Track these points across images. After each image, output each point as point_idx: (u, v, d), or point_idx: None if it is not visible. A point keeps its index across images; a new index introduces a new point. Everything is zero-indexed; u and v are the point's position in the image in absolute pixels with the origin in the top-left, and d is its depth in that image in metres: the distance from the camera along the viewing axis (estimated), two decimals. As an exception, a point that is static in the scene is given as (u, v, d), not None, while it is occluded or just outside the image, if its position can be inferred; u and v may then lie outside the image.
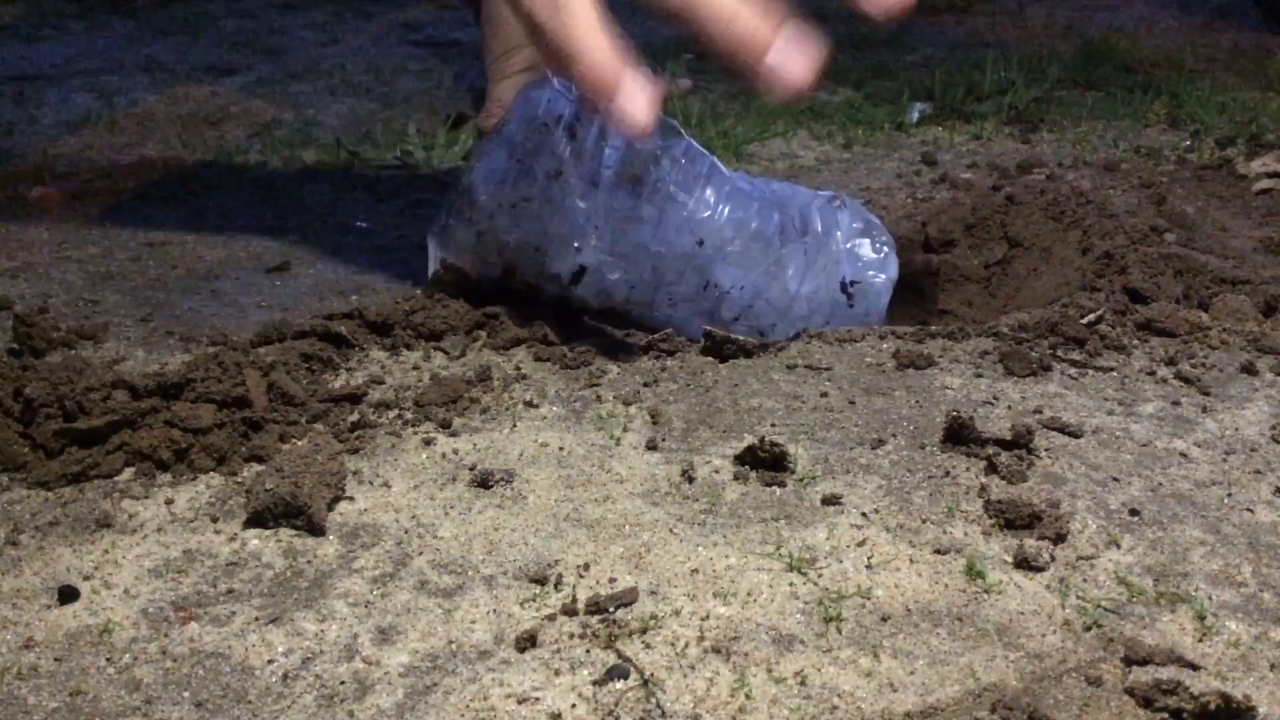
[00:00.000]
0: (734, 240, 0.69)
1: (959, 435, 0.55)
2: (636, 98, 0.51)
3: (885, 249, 0.72)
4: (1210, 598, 0.46)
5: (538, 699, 0.41)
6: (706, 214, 0.68)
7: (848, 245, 0.72)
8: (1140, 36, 1.57)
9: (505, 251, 0.69)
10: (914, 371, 0.63)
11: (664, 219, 0.68)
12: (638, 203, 0.68)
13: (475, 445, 0.57)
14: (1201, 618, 0.45)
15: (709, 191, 0.69)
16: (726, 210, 0.69)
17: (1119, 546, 0.49)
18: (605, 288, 0.68)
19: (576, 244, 0.67)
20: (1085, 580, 0.47)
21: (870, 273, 0.71)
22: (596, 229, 0.67)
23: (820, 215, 0.72)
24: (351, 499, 0.53)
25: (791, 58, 0.53)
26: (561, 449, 0.56)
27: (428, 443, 0.57)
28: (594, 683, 0.42)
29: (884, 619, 0.45)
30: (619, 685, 0.41)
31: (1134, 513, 0.51)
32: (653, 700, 0.41)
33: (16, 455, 0.55)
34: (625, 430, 0.58)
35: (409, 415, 0.60)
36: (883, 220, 0.76)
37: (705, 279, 0.69)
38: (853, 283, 0.71)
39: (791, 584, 0.46)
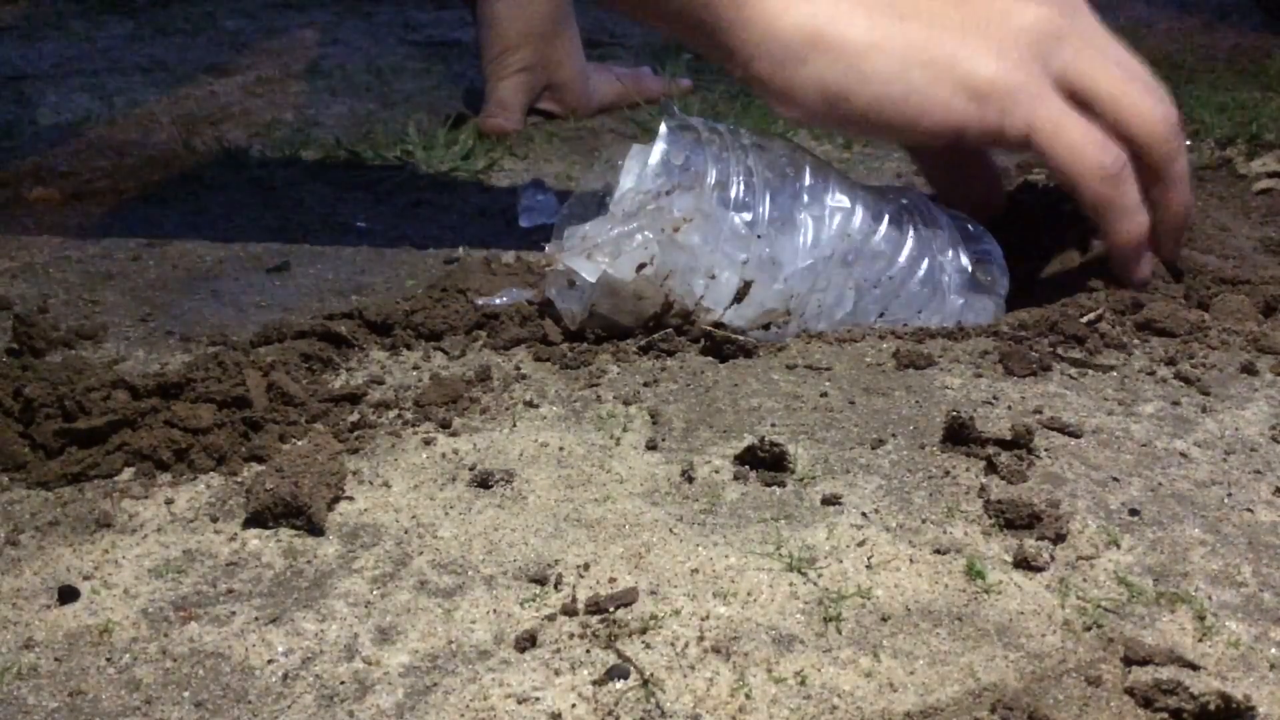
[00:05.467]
0: (874, 235, 0.69)
1: (959, 435, 0.55)
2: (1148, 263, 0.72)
3: (980, 227, 0.74)
4: (1210, 598, 0.46)
5: (538, 699, 0.41)
6: (845, 213, 0.68)
7: (953, 226, 0.73)
8: (1140, 36, 1.57)
9: (668, 281, 0.67)
10: (914, 371, 0.63)
11: (809, 223, 0.68)
12: (789, 210, 0.67)
13: (475, 445, 0.57)
14: (1201, 618, 0.45)
15: (839, 193, 0.69)
16: (860, 208, 0.69)
17: (1119, 546, 0.49)
18: (766, 301, 0.67)
19: (744, 257, 0.66)
20: (1085, 580, 0.47)
21: (983, 246, 0.72)
22: (760, 237, 0.67)
23: (928, 204, 0.72)
24: (351, 499, 0.53)
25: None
26: (561, 449, 0.56)
27: (428, 443, 0.57)
28: (594, 683, 0.42)
29: (884, 619, 0.45)
30: (619, 685, 0.41)
31: (1134, 513, 0.51)
32: (653, 700, 0.41)
33: (16, 455, 0.55)
34: (625, 430, 0.58)
35: (409, 415, 0.60)
36: None
37: (850, 279, 0.69)
38: (977, 260, 0.72)
39: (791, 584, 0.46)
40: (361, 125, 1.24)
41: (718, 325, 0.66)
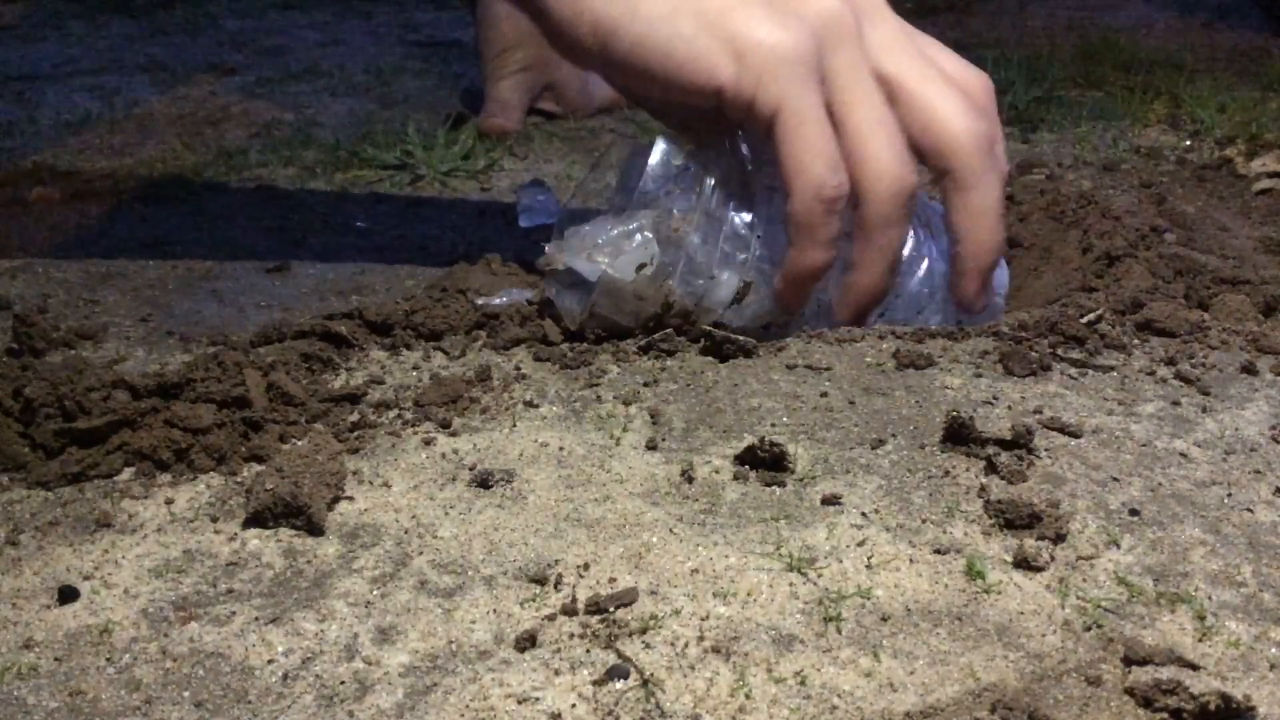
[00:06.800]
0: None
1: (959, 435, 0.55)
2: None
3: None
4: (1210, 598, 0.46)
5: (538, 699, 0.41)
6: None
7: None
8: (1140, 36, 1.57)
9: (668, 281, 0.67)
10: (914, 371, 0.63)
11: None
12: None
13: (475, 445, 0.57)
14: (1201, 618, 0.45)
15: None
16: None
17: (1119, 546, 0.49)
18: (766, 301, 0.67)
19: (743, 258, 0.66)
20: (1085, 580, 0.47)
21: None
22: (759, 237, 0.66)
23: (927, 204, 0.72)
24: (351, 499, 0.53)
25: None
26: (561, 449, 0.56)
27: (428, 443, 0.57)
28: (594, 683, 0.42)
29: (884, 619, 0.45)
30: (619, 685, 0.41)
31: (1134, 513, 0.51)
32: (653, 700, 0.41)
33: (16, 455, 0.55)
34: (625, 430, 0.58)
35: (409, 415, 0.60)
36: None
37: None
38: None
39: (791, 584, 0.46)
40: (361, 125, 1.25)
41: (717, 326, 0.66)
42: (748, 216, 0.66)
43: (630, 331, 0.67)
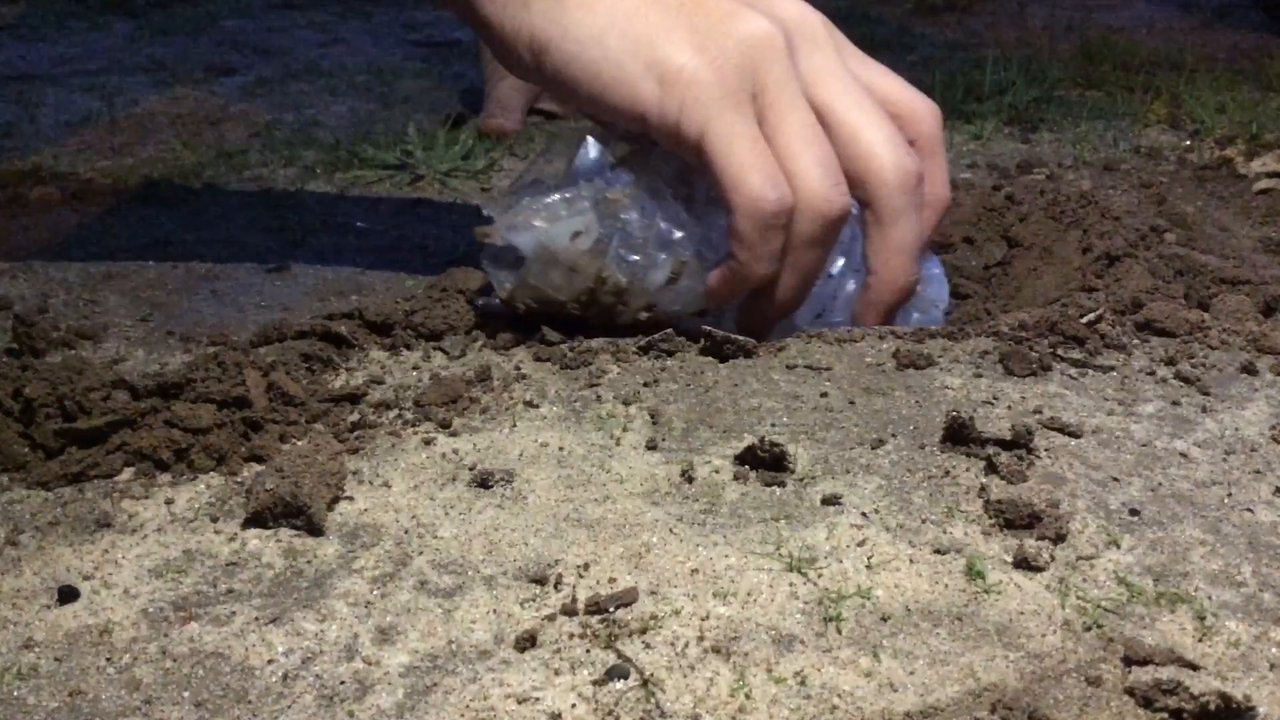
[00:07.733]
0: None
1: (959, 435, 0.55)
2: None
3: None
4: (1210, 598, 0.46)
5: (538, 699, 0.41)
6: None
7: None
8: (1140, 36, 1.57)
9: (600, 258, 0.66)
10: (914, 371, 0.63)
11: None
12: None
13: (475, 445, 0.57)
14: (1201, 618, 0.45)
15: None
16: None
17: (1119, 546, 0.49)
18: (699, 285, 0.66)
19: (679, 235, 0.65)
20: (1085, 580, 0.47)
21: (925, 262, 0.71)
22: (697, 217, 0.66)
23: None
24: (351, 499, 0.53)
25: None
26: (561, 449, 0.56)
27: (428, 443, 0.57)
28: (594, 683, 0.42)
29: (884, 619, 0.45)
30: (619, 685, 0.41)
31: (1134, 513, 0.51)
32: (653, 700, 0.41)
33: (16, 455, 0.55)
34: (625, 430, 0.58)
35: (409, 415, 0.60)
36: None
37: None
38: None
39: (791, 584, 0.46)
40: (361, 125, 1.25)
41: (649, 307, 0.66)
42: (684, 197, 0.66)
43: (562, 305, 0.67)
